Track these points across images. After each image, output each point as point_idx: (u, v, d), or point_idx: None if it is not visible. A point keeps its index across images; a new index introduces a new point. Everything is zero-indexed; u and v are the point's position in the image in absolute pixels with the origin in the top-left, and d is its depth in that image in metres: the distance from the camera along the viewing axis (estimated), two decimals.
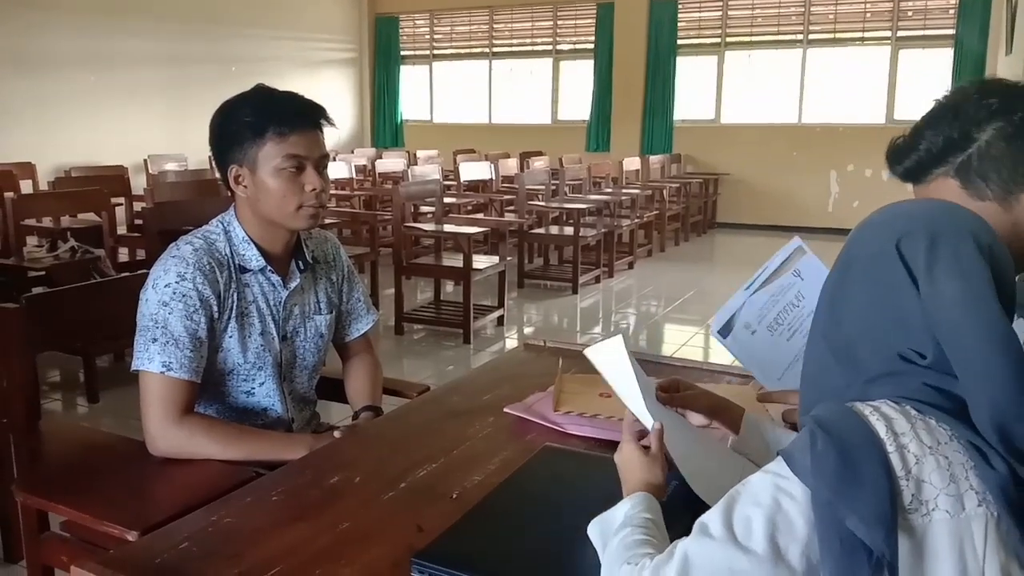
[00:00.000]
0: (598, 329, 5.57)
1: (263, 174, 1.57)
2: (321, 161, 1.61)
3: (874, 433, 0.79)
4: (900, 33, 8.94)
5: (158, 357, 1.51)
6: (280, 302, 1.68)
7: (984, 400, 0.78)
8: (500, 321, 5.22)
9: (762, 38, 9.58)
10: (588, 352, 1.18)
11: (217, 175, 1.66)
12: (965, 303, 0.80)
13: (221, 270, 1.59)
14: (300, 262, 1.71)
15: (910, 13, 8.91)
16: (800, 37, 9.34)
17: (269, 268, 1.65)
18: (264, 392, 1.68)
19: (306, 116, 1.59)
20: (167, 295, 1.53)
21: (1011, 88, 1.11)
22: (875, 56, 9.10)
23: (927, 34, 8.87)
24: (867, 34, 9.13)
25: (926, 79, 8.81)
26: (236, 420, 1.67)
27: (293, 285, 1.69)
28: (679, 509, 1.02)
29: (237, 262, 1.62)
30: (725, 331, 1.44)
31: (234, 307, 1.61)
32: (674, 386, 1.34)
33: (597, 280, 6.56)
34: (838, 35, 9.24)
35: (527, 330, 5.44)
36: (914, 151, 1.13)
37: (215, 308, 1.57)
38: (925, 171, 1.14)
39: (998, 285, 0.82)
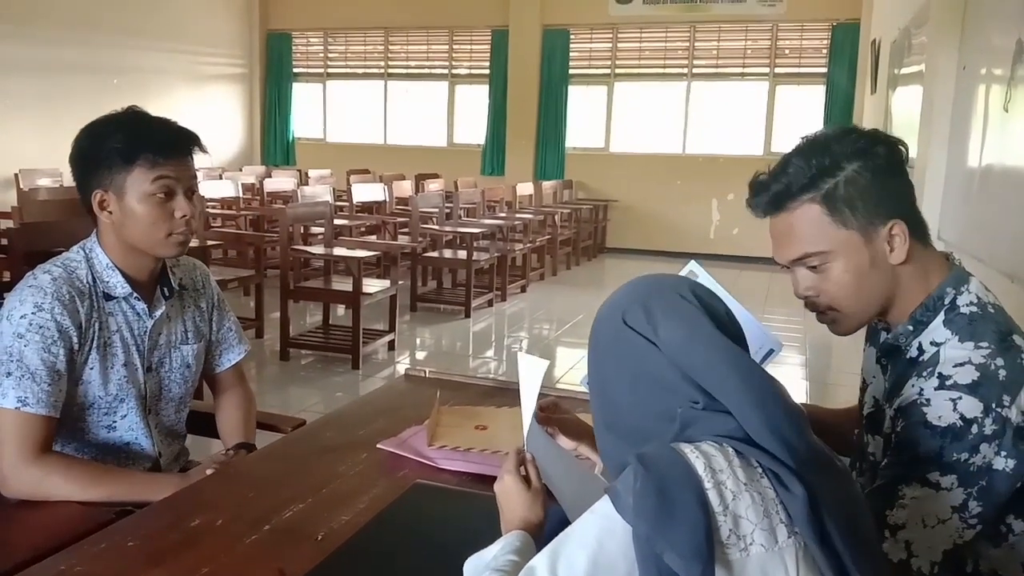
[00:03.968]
0: (491, 353, 5.61)
1: (131, 200, 1.52)
2: (191, 186, 1.58)
3: (693, 470, 0.82)
4: (777, 70, 9.47)
5: (12, 392, 1.44)
6: (145, 331, 1.62)
7: (748, 415, 0.85)
8: (391, 346, 5.17)
9: (649, 71, 9.96)
10: (520, 356, 1.18)
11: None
12: (693, 341, 0.90)
13: (82, 299, 1.53)
14: (166, 289, 1.66)
15: (787, 52, 9.45)
16: (685, 71, 9.75)
17: (135, 295, 1.59)
18: (127, 426, 1.62)
19: (179, 143, 1.56)
20: (23, 327, 1.46)
21: (871, 133, 1.19)
22: (754, 91, 9.59)
23: (802, 72, 9.42)
24: (747, 70, 9.62)
25: (801, 114, 9.36)
26: (98, 457, 1.60)
27: (158, 313, 1.64)
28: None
29: (100, 289, 1.56)
30: None
31: (95, 337, 1.55)
32: (552, 407, 1.37)
33: (490, 304, 6.60)
34: (720, 70, 9.69)
35: (419, 355, 5.41)
36: (783, 176, 1.17)
37: (75, 340, 1.51)
38: (792, 197, 1.17)
39: (712, 317, 0.92)
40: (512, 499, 1.06)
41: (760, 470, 0.85)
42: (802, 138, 1.20)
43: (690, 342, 0.89)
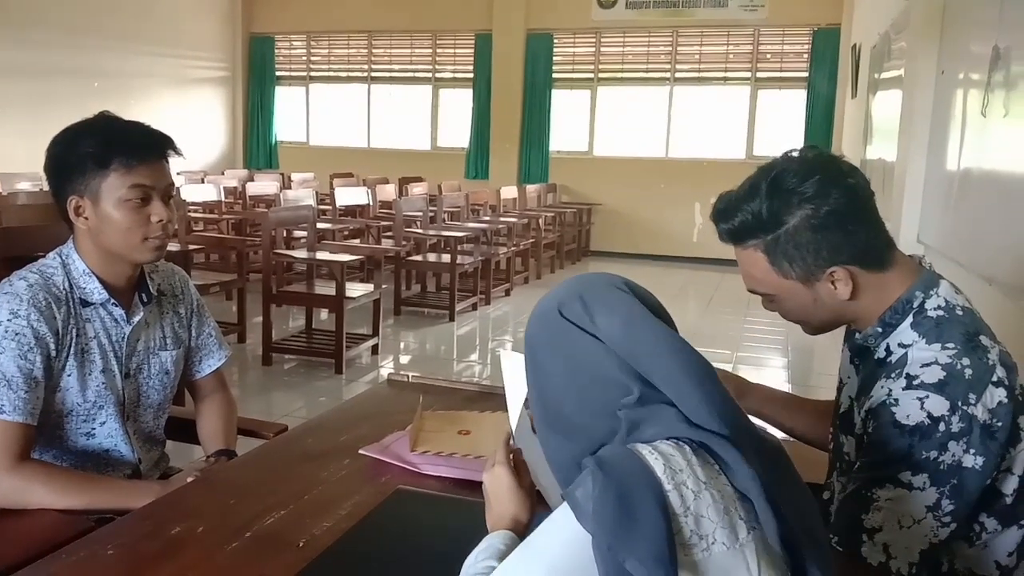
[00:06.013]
0: (475, 356, 5.60)
1: (107, 205, 1.51)
2: (167, 191, 1.57)
3: (652, 472, 0.80)
4: (759, 75, 9.55)
5: None
6: (123, 337, 1.61)
7: (687, 393, 0.85)
8: (375, 350, 5.15)
9: (632, 75, 10.02)
10: (502, 353, 1.19)
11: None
12: (631, 326, 0.90)
13: (59, 306, 1.51)
14: (144, 295, 1.65)
15: (768, 56, 9.53)
16: (667, 75, 9.82)
17: (112, 301, 1.58)
18: (106, 432, 1.60)
19: (153, 147, 1.55)
20: None
21: (832, 169, 1.18)
22: (736, 95, 9.66)
23: (783, 76, 9.51)
24: (729, 74, 9.69)
25: (783, 117, 9.44)
26: (77, 464, 1.58)
27: (137, 319, 1.63)
28: None
29: (78, 295, 1.55)
30: None
31: (73, 344, 1.53)
32: None
33: (474, 307, 6.60)
34: (702, 75, 9.76)
35: (403, 359, 5.40)
36: (731, 220, 1.21)
37: (52, 346, 1.49)
38: (740, 239, 1.22)
39: (645, 305, 0.93)
40: (503, 493, 1.03)
41: (718, 467, 0.84)
42: (762, 171, 1.20)
43: (628, 326, 0.89)
